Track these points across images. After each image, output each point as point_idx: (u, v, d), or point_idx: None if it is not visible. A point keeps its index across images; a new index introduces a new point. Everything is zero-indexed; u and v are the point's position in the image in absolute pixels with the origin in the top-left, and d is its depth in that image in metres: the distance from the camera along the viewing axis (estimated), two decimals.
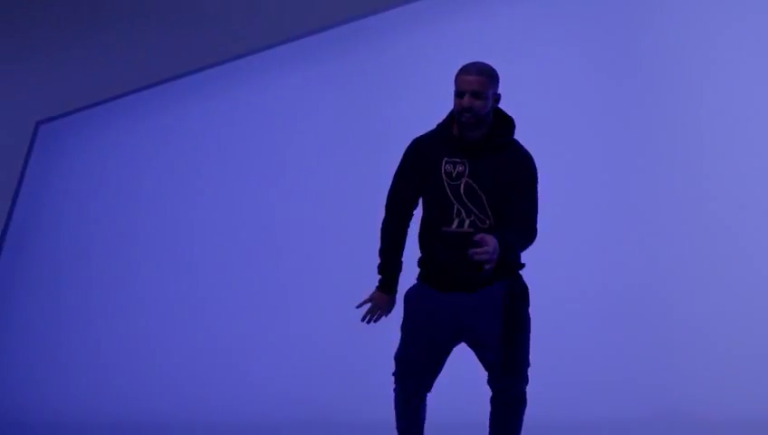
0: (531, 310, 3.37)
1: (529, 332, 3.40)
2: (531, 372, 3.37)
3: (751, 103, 4.86)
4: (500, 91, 3.38)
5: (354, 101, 5.69)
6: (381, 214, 3.47)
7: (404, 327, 3.47)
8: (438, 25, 5.64)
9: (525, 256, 3.39)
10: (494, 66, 3.36)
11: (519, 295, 3.39)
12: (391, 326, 3.51)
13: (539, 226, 3.34)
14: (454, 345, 3.45)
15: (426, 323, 3.41)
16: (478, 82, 3.28)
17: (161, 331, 5.51)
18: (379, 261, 3.50)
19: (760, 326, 4.68)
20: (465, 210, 3.34)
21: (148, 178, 5.81)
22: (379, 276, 3.49)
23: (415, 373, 3.44)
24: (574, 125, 5.30)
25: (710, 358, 4.74)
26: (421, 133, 3.49)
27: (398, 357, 3.47)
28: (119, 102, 5.77)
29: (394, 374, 3.47)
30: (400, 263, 3.48)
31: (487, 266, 3.11)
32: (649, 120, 5.18)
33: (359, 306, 3.46)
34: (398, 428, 3.52)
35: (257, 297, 5.58)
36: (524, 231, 3.34)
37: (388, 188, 3.48)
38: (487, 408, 3.40)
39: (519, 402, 3.42)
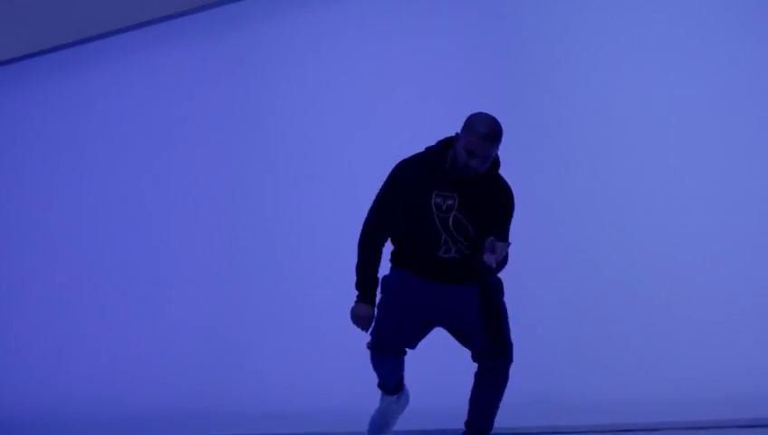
0: None
1: (508, 317, 3.66)
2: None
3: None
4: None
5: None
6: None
7: (383, 308, 3.61)
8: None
9: None
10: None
11: (497, 287, 3.67)
12: None
13: None
14: (431, 329, 3.67)
15: (406, 307, 3.59)
16: (491, 149, 3.45)
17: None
18: (359, 277, 3.62)
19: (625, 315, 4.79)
20: (452, 240, 3.53)
21: None
22: (360, 291, 3.62)
23: (390, 351, 3.62)
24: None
25: (581, 346, 4.82)
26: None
27: (376, 335, 3.62)
28: None
29: (369, 347, 3.64)
30: (377, 278, 3.65)
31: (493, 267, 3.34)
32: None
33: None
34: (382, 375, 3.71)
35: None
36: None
37: (371, 207, 3.62)
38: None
39: (504, 380, 3.66)
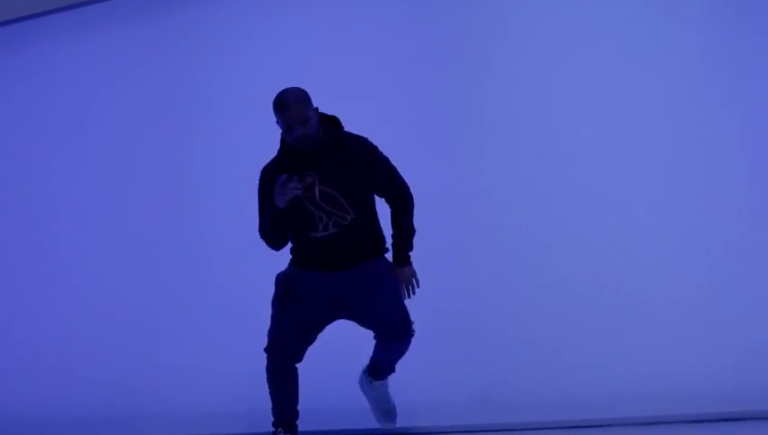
0: None
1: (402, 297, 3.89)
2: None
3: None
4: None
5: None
6: None
7: (277, 304, 3.78)
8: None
9: None
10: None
11: (389, 268, 3.88)
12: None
13: None
14: (329, 321, 3.82)
15: (302, 300, 3.75)
16: (300, 111, 3.60)
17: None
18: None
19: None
20: (326, 214, 3.73)
21: None
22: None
23: (289, 346, 3.75)
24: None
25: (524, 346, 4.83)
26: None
27: (273, 332, 3.77)
28: None
29: (266, 349, 3.77)
30: None
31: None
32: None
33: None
34: (274, 400, 3.80)
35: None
36: (407, 203, 3.85)
37: (258, 223, 3.81)
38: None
39: (406, 347, 3.90)
